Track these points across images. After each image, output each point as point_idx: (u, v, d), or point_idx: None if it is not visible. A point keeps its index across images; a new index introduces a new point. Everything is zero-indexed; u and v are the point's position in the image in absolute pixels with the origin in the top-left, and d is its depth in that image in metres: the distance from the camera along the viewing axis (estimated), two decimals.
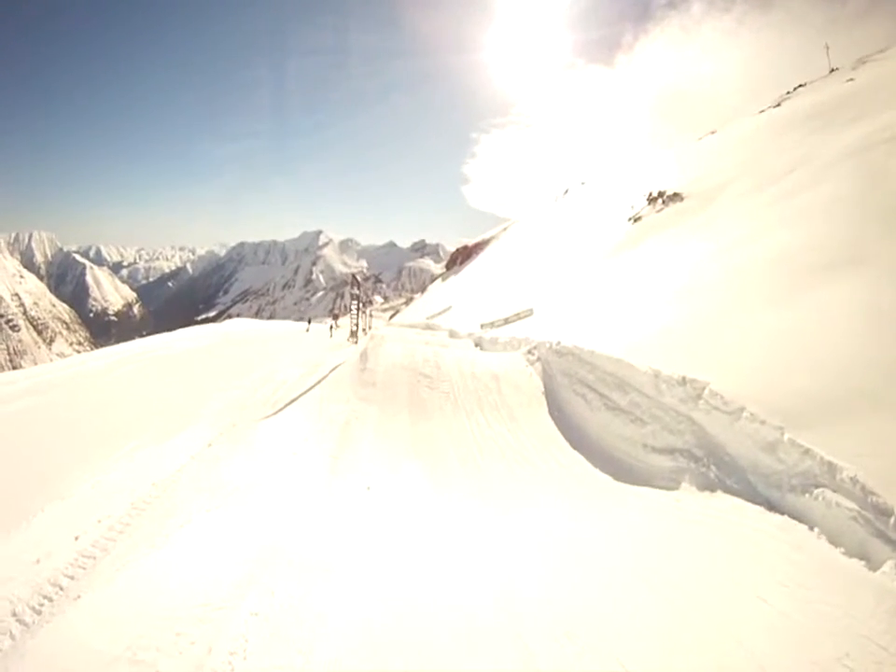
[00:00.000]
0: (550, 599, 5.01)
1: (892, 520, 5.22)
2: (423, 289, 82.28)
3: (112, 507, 6.77)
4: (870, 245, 9.43)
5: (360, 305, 20.15)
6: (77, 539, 6.08)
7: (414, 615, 4.73)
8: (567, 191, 62.01)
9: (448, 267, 74.69)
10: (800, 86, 38.85)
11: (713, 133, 41.59)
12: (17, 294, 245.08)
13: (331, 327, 23.49)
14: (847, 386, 6.85)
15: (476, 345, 16.67)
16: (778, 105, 34.79)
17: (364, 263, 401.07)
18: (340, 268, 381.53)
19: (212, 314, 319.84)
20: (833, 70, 37.29)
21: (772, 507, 6.42)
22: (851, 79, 27.01)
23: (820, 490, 5.98)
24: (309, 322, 24.67)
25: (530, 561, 5.79)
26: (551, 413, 10.52)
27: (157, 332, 22.65)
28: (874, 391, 6.62)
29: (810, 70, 41.77)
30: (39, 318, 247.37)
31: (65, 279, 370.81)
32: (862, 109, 18.50)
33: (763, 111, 35.65)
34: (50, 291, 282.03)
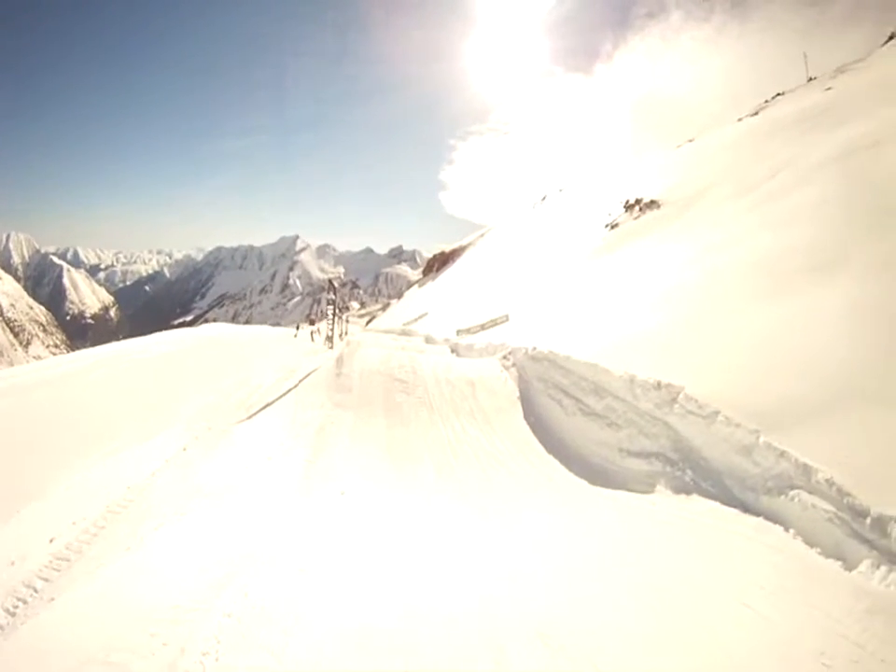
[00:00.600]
0: (524, 601, 4.90)
1: (868, 520, 5.21)
2: (400, 295, 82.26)
3: (87, 509, 6.61)
4: (851, 247, 9.48)
5: (336, 311, 20.01)
6: (51, 541, 5.93)
7: (387, 616, 4.63)
8: (544, 198, 62.34)
9: (425, 273, 74.76)
10: (778, 94, 39.28)
11: (691, 140, 41.97)
12: None
13: (311, 332, 23.30)
14: (825, 388, 6.84)
15: (452, 351, 16.60)
16: (756, 113, 35.20)
17: (341, 269, 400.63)
18: (317, 273, 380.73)
19: (189, 318, 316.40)
20: (811, 79, 37.68)
21: (747, 509, 6.38)
22: (829, 88, 27.36)
23: (796, 492, 5.95)
24: (297, 328, 24.45)
25: (504, 563, 5.68)
26: (526, 419, 10.43)
27: (133, 336, 22.30)
28: (850, 390, 6.60)
29: (789, 79, 42.28)
30: (16, 320, 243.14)
31: (42, 281, 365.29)
32: (842, 117, 18.74)
33: (741, 119, 36.07)
34: (28, 293, 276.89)
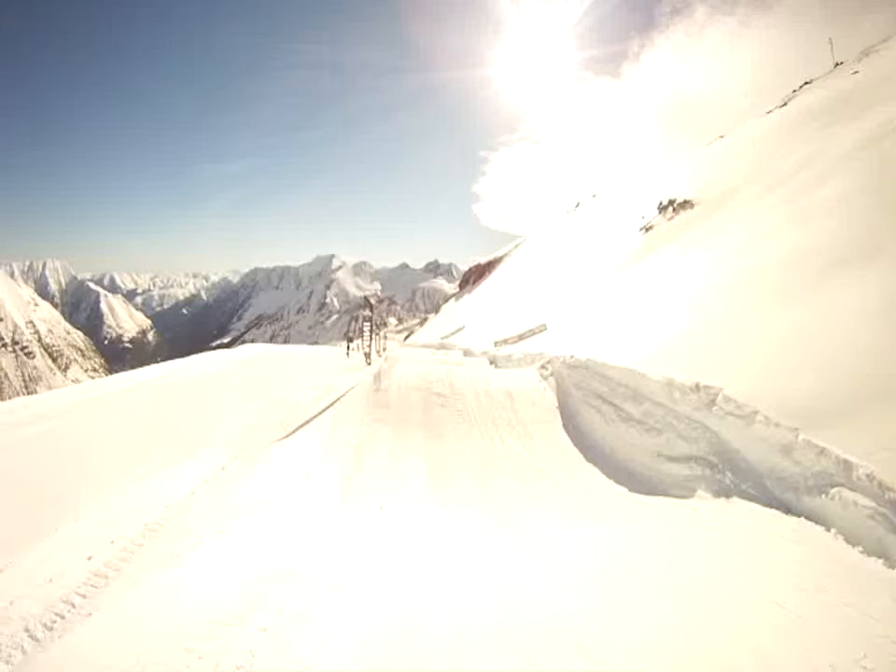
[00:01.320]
0: (561, 614, 4.92)
1: None
2: (437, 309, 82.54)
3: (125, 528, 6.83)
4: (883, 237, 9.25)
5: (373, 327, 20.25)
6: (89, 558, 6.14)
7: (422, 632, 4.68)
8: (578, 205, 62.17)
9: (461, 286, 75.03)
10: (806, 83, 38.59)
11: (722, 137, 41.47)
12: (31, 321, 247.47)
13: (349, 348, 23.48)
14: (862, 381, 6.71)
15: (490, 363, 16.63)
16: (785, 104, 34.63)
17: (377, 285, 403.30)
18: (353, 291, 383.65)
19: (226, 340, 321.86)
20: (837, 64, 36.98)
21: (788, 510, 6.30)
22: (856, 72, 26.85)
23: (837, 489, 5.85)
24: (350, 341, 24.33)
25: (542, 576, 5.70)
26: (565, 428, 10.44)
27: (172, 359, 22.85)
28: (887, 384, 6.47)
29: (816, 66, 41.53)
30: (54, 345, 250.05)
31: (80, 307, 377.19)
32: (869, 101, 18.37)
33: (770, 111, 35.54)
34: (65, 319, 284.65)
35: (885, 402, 6.26)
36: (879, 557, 5.07)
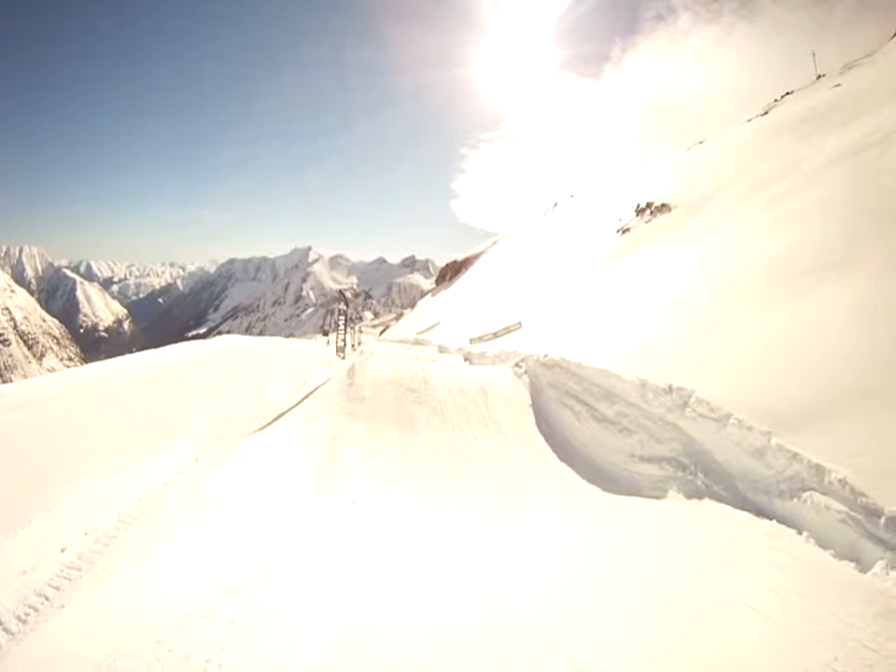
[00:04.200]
0: (532, 611, 4.87)
1: (882, 520, 5.12)
2: (413, 305, 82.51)
3: (99, 520, 6.71)
4: (862, 245, 9.35)
5: (349, 322, 20.10)
6: (63, 550, 6.03)
7: (394, 627, 4.64)
8: (556, 204, 62.47)
9: (438, 282, 75.08)
10: (788, 93, 39.26)
11: (701, 142, 41.96)
12: (7, 308, 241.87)
13: (327, 342, 23.30)
14: (836, 386, 6.76)
15: (465, 360, 16.57)
16: (766, 112, 35.12)
17: (354, 279, 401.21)
18: (330, 284, 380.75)
19: (202, 330, 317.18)
20: (819, 76, 37.70)
21: (760, 512, 6.31)
22: (838, 85, 27.29)
23: (809, 493, 5.88)
24: (326, 334, 24.21)
25: (515, 573, 5.66)
26: (538, 426, 10.40)
27: (147, 349, 22.45)
28: (862, 389, 6.52)
29: (798, 77, 42.27)
30: (30, 333, 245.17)
31: (56, 294, 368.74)
32: (851, 113, 18.68)
33: (750, 120, 36.00)
34: (41, 306, 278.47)
35: (859, 408, 6.31)
36: (851, 561, 5.09)
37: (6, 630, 4.74)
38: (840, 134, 16.46)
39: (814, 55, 40.65)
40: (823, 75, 37.23)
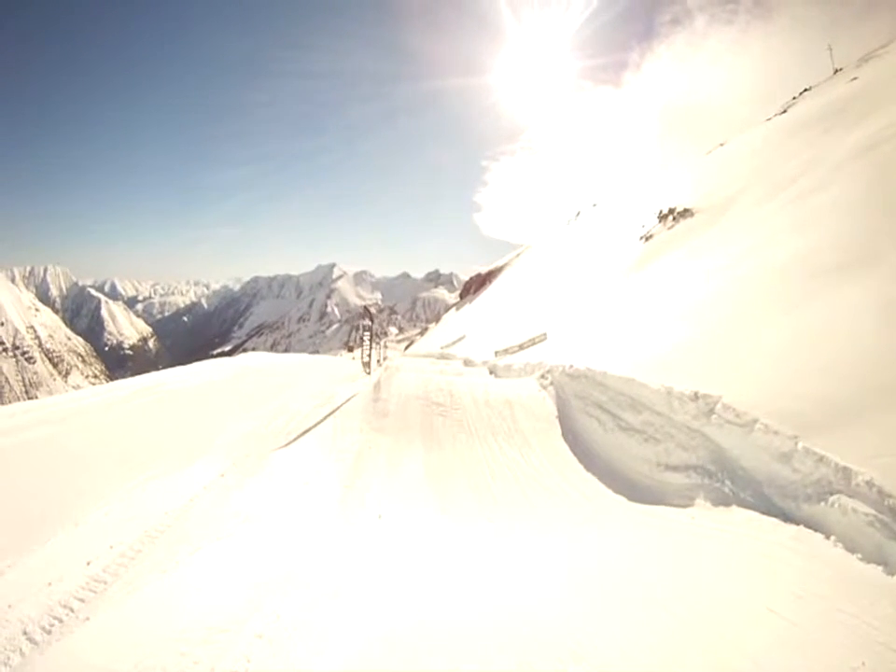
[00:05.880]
0: (558, 622, 4.88)
1: None
2: (437, 319, 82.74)
3: (124, 534, 6.84)
4: (883, 241, 9.22)
5: (374, 337, 20.25)
6: (88, 563, 6.15)
7: (418, 639, 4.67)
8: (578, 214, 62.40)
9: (462, 296, 75.27)
10: (805, 90, 38.92)
11: (722, 145, 41.61)
12: (32, 326, 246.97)
13: (352, 357, 23.49)
14: (861, 386, 6.66)
15: (491, 372, 16.64)
16: (785, 111, 34.81)
17: (378, 295, 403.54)
18: (354, 300, 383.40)
19: (227, 348, 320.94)
20: (837, 70, 37.34)
21: (787, 518, 6.24)
22: (855, 78, 26.94)
23: (836, 497, 5.80)
24: (351, 350, 24.60)
25: (540, 585, 5.67)
26: (564, 437, 10.41)
27: (172, 366, 22.86)
28: (887, 388, 6.41)
29: (816, 73, 41.89)
30: (54, 351, 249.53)
31: (80, 313, 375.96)
32: (868, 107, 18.44)
33: (769, 119, 35.70)
34: (66, 325, 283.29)
35: (885, 408, 6.22)
36: (879, 564, 5.01)
37: (30, 640, 4.84)
38: (859, 129, 16.26)
39: (830, 49, 40.23)
40: (841, 69, 36.86)
